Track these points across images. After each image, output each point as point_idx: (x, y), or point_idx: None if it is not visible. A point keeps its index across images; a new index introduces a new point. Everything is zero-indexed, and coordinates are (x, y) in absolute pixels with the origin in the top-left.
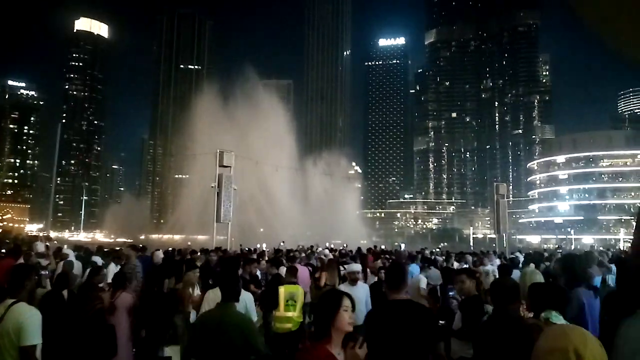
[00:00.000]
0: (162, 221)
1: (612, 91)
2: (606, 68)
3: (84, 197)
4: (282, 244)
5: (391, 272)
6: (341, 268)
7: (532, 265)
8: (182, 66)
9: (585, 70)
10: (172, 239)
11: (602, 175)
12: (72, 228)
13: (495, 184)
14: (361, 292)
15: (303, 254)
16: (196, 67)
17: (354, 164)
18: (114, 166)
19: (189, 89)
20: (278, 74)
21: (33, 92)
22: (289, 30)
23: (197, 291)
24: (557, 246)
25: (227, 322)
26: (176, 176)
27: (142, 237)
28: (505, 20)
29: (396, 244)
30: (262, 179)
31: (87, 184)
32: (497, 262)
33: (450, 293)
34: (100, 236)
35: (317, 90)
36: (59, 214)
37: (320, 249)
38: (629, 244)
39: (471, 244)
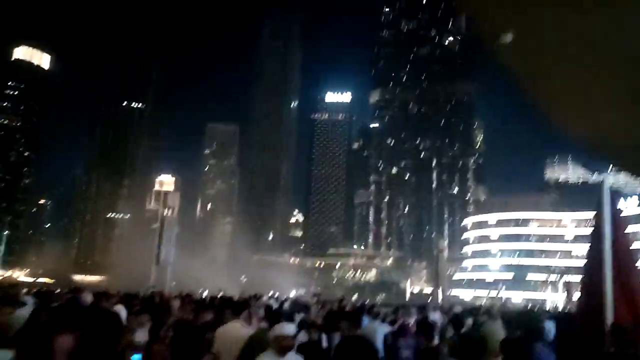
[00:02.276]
0: (88, 262)
1: (540, 157)
2: (536, 136)
3: (6, 232)
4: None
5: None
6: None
7: (497, 321)
8: (125, 103)
9: (516, 137)
10: (99, 280)
11: (531, 236)
12: None
13: (435, 236)
14: None
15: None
16: (140, 105)
17: (296, 211)
18: (41, 201)
19: (131, 127)
20: (225, 118)
21: None
22: (237, 77)
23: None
24: (490, 303)
25: None
26: (108, 216)
27: (69, 278)
28: (444, 88)
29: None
30: (201, 222)
31: (10, 217)
32: (438, 315)
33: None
34: (20, 274)
35: (262, 137)
36: None
37: (265, 298)
38: (556, 304)
39: (407, 297)
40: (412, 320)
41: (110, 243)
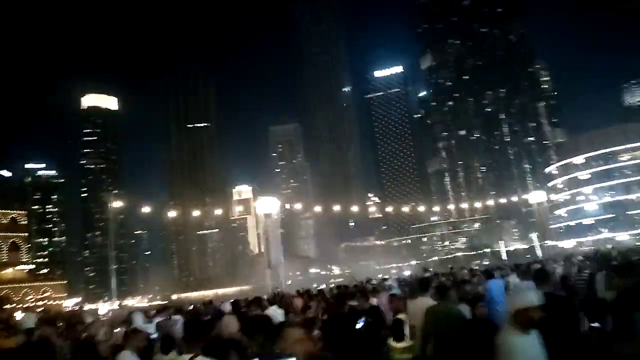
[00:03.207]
0: (190, 279)
1: (615, 85)
2: (606, 63)
3: (114, 266)
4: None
5: None
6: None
7: None
8: (189, 125)
9: (585, 69)
10: (203, 295)
11: (625, 170)
12: (106, 298)
13: (519, 191)
14: None
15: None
16: (204, 124)
17: (371, 194)
18: (137, 231)
19: (201, 147)
20: (283, 119)
21: (53, 171)
22: (287, 74)
23: None
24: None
25: None
26: (199, 233)
27: (175, 297)
28: (496, 33)
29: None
30: (283, 223)
31: (115, 252)
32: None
33: None
34: (133, 302)
35: (322, 128)
36: (91, 286)
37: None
38: None
39: (504, 257)
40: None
41: (206, 258)
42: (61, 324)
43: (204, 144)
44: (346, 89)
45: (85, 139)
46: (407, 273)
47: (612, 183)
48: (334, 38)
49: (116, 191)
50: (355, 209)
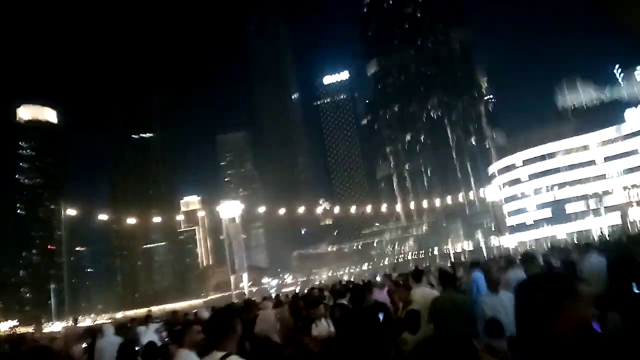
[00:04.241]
0: (135, 295)
1: (549, 86)
2: (540, 65)
3: (52, 286)
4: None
5: None
6: None
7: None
8: (134, 136)
9: (521, 73)
10: (150, 311)
11: (560, 168)
12: (43, 320)
13: (484, 189)
14: None
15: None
16: (150, 134)
17: (322, 200)
18: (78, 248)
19: (147, 158)
20: (232, 127)
21: None
22: (235, 82)
23: None
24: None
25: None
26: (144, 247)
27: (120, 314)
28: (438, 39)
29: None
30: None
31: (53, 271)
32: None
33: None
34: (84, 320)
35: (272, 136)
36: (27, 308)
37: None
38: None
39: (452, 258)
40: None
41: (153, 272)
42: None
43: (150, 155)
44: (295, 96)
45: (21, 152)
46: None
47: (549, 181)
48: (282, 46)
49: (54, 207)
50: (306, 216)
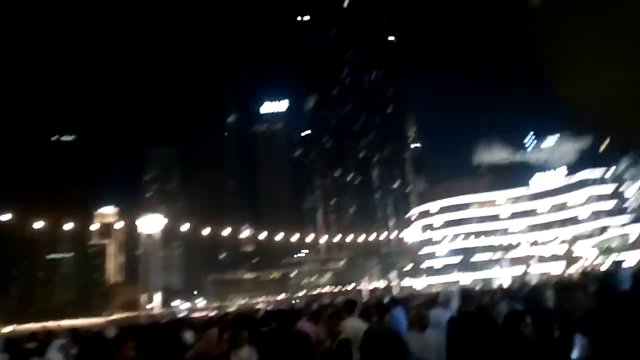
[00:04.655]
0: (31, 309)
1: (469, 143)
2: (464, 124)
3: None
4: None
5: None
6: None
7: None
8: (54, 138)
9: (447, 126)
10: (45, 327)
11: (472, 219)
12: None
13: (402, 231)
14: None
15: None
16: (71, 137)
17: (245, 226)
18: None
19: (63, 162)
20: (163, 142)
21: None
22: (170, 96)
23: None
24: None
25: None
26: (49, 257)
27: (9, 329)
28: (375, 84)
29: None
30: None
31: None
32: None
33: None
34: None
35: (202, 157)
36: None
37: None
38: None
39: (365, 294)
40: None
41: (55, 285)
42: None
43: (68, 160)
44: (230, 119)
45: None
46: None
47: (461, 230)
48: (222, 67)
49: None
50: (227, 240)
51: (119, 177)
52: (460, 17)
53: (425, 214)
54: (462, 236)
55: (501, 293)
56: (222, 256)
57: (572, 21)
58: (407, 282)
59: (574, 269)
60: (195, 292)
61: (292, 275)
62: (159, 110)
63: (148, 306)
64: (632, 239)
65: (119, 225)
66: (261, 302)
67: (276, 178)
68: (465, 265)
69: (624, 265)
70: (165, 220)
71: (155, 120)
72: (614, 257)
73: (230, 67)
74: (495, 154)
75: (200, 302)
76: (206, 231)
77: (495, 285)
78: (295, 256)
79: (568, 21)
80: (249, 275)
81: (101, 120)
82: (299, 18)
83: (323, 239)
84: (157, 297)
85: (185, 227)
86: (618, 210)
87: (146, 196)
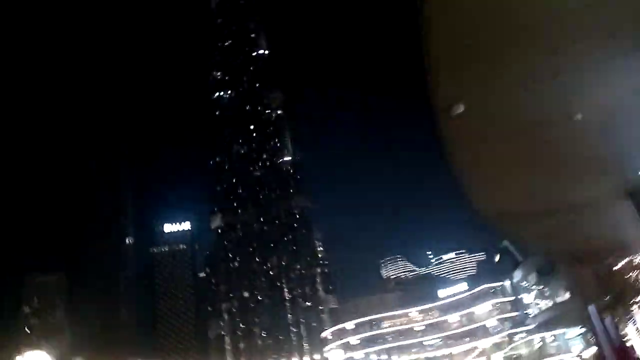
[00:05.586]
0: None
1: (376, 259)
2: (368, 239)
3: None
4: None
5: None
6: None
7: None
8: None
9: (354, 242)
10: None
11: (387, 336)
12: None
13: (331, 352)
14: None
15: None
16: None
17: (141, 357)
18: None
19: None
20: (48, 267)
21: None
22: (61, 220)
23: None
24: None
25: None
26: None
27: None
28: (282, 204)
29: None
30: None
31: None
32: None
33: None
34: None
35: (95, 281)
36: None
37: None
38: None
39: None
40: None
41: None
42: None
43: None
44: (129, 240)
45: None
46: None
47: (377, 348)
48: (121, 186)
49: None
50: None
51: None
52: (365, 139)
53: (340, 333)
54: (381, 353)
55: None
56: None
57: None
58: None
59: None
60: None
61: None
62: (42, 232)
63: None
64: (537, 346)
65: None
66: None
67: (179, 301)
68: None
69: None
70: (48, 358)
71: (37, 242)
72: None
73: (129, 187)
74: (401, 269)
75: None
76: None
77: None
78: None
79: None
80: None
81: None
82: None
83: None
84: None
85: None
86: (520, 320)
87: (27, 331)
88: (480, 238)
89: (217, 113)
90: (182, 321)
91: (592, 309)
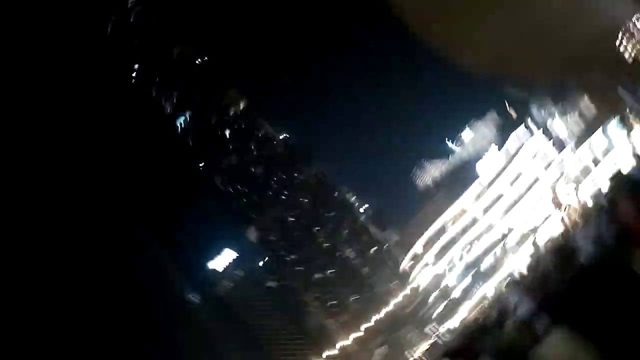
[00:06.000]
0: None
1: (407, 174)
2: (389, 159)
3: None
4: None
5: None
6: None
7: None
8: None
9: (378, 171)
10: None
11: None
12: None
13: None
14: None
15: None
16: None
17: None
18: None
19: None
20: None
21: None
22: None
23: None
24: None
25: None
26: None
27: None
28: (299, 189)
29: None
30: None
31: None
32: None
33: None
34: None
35: None
36: None
37: None
38: None
39: None
40: None
41: None
42: None
43: None
44: None
45: None
46: None
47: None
48: None
49: None
50: None
51: None
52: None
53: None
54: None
55: None
56: None
57: None
58: None
59: None
60: None
61: None
62: None
63: None
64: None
65: None
66: None
67: None
68: None
69: None
70: None
71: None
72: None
73: None
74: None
75: None
76: None
77: None
78: None
79: None
80: None
81: None
82: None
83: None
84: None
85: None
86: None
87: None
88: (486, 104)
89: (186, 141)
90: None
91: (621, 90)
